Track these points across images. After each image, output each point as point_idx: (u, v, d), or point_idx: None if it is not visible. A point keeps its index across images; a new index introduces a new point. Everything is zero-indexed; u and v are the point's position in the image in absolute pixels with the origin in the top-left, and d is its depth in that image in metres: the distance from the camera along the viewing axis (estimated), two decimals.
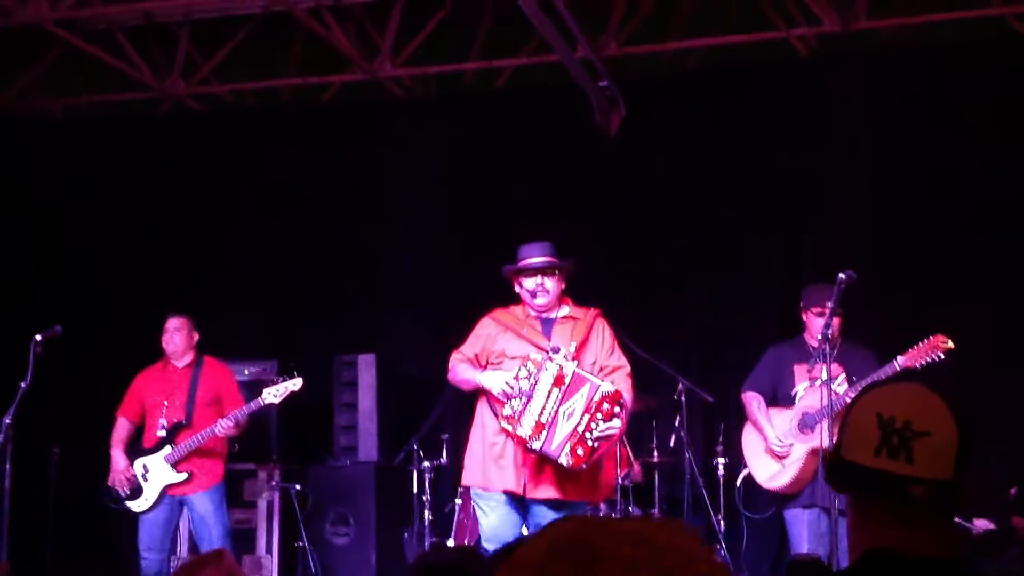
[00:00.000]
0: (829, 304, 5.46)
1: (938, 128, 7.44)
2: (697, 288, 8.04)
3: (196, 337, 6.69)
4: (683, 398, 6.96)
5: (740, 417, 6.39)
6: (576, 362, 4.96)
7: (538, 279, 5.13)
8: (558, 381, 4.88)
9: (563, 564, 0.84)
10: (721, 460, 7.07)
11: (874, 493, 1.70)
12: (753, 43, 8.00)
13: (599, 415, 4.83)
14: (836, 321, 5.67)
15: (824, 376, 5.32)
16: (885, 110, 7.67)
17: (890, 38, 7.92)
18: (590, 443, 4.84)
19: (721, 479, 7.07)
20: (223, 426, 6.34)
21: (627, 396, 5.14)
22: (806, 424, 5.85)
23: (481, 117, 8.59)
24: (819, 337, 5.44)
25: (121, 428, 6.58)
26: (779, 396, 6.03)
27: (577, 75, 7.39)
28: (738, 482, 6.65)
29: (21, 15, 7.45)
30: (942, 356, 5.52)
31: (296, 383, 6.46)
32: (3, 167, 8.56)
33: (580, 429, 4.83)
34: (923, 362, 5.53)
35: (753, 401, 6.05)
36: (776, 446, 5.91)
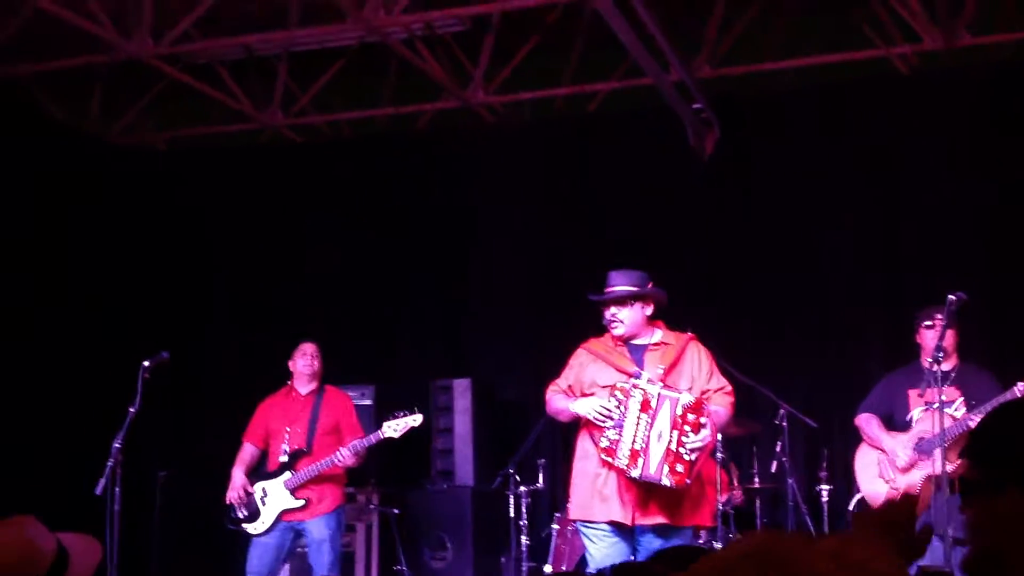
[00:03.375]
0: (939, 317, 5.31)
1: None
2: (798, 312, 7.89)
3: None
4: (784, 423, 6.84)
5: (846, 442, 6.25)
6: (660, 384, 4.91)
7: (612, 310, 5.09)
8: (644, 406, 4.85)
9: (754, 570, 0.82)
10: (825, 487, 6.93)
11: None
12: (851, 62, 7.87)
13: (687, 427, 4.79)
14: (950, 336, 5.48)
15: (937, 400, 5.17)
16: (991, 129, 7.47)
17: (994, 55, 7.73)
18: (686, 457, 4.80)
19: (825, 506, 6.92)
20: (342, 455, 6.37)
21: (726, 414, 5.09)
22: (922, 449, 5.71)
23: (574, 142, 8.59)
24: (930, 360, 5.29)
25: (246, 452, 6.64)
26: (895, 422, 5.90)
27: (671, 97, 7.35)
28: (851, 505, 6.49)
29: (125, 51, 7.66)
30: None
31: (417, 419, 6.42)
32: (111, 200, 8.80)
33: (673, 447, 4.80)
34: None
35: (872, 421, 5.92)
36: (901, 460, 5.77)
